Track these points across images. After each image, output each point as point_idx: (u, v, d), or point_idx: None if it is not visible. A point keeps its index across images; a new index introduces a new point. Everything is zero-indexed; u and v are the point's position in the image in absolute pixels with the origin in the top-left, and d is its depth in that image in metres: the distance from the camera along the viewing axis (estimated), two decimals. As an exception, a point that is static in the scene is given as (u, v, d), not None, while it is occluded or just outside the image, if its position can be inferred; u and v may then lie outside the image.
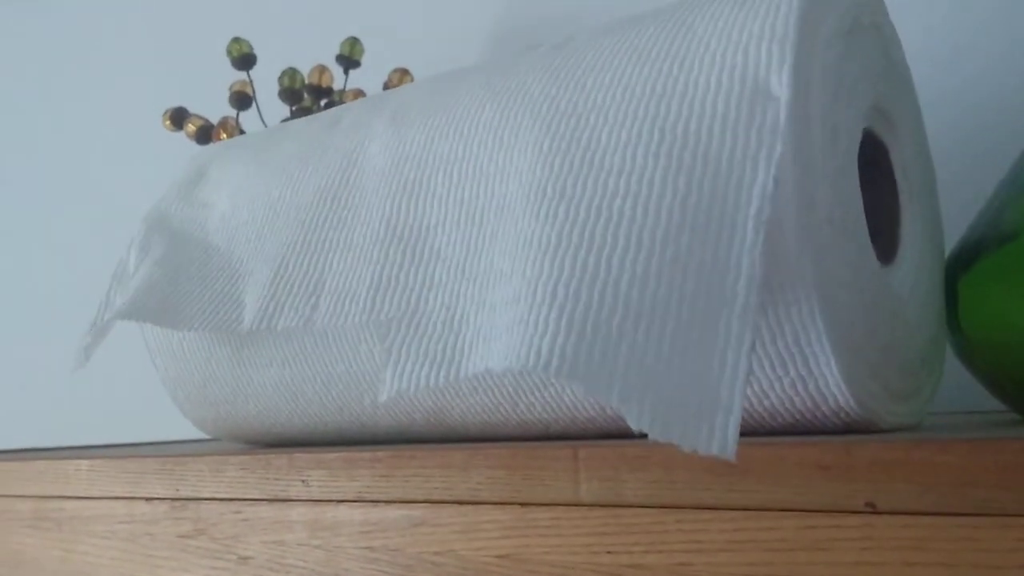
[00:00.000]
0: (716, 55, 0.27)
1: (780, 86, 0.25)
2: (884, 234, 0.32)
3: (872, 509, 0.24)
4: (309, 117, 0.41)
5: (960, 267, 0.35)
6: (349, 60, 0.68)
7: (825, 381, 0.27)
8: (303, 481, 0.35)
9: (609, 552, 0.28)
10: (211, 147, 0.44)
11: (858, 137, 0.29)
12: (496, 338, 0.26)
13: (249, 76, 0.67)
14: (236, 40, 0.67)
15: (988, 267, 0.34)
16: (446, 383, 0.27)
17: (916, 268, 0.33)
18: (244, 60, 0.67)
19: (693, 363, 0.23)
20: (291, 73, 0.65)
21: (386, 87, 0.65)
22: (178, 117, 0.69)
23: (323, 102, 0.67)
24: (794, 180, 0.25)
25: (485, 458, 0.30)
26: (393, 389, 0.28)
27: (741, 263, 0.24)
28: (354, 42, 0.68)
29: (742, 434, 0.30)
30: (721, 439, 0.22)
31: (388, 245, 0.32)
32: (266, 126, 0.66)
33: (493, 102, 0.32)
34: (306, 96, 0.66)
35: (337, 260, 0.33)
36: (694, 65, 0.27)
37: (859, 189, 0.29)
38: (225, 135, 0.65)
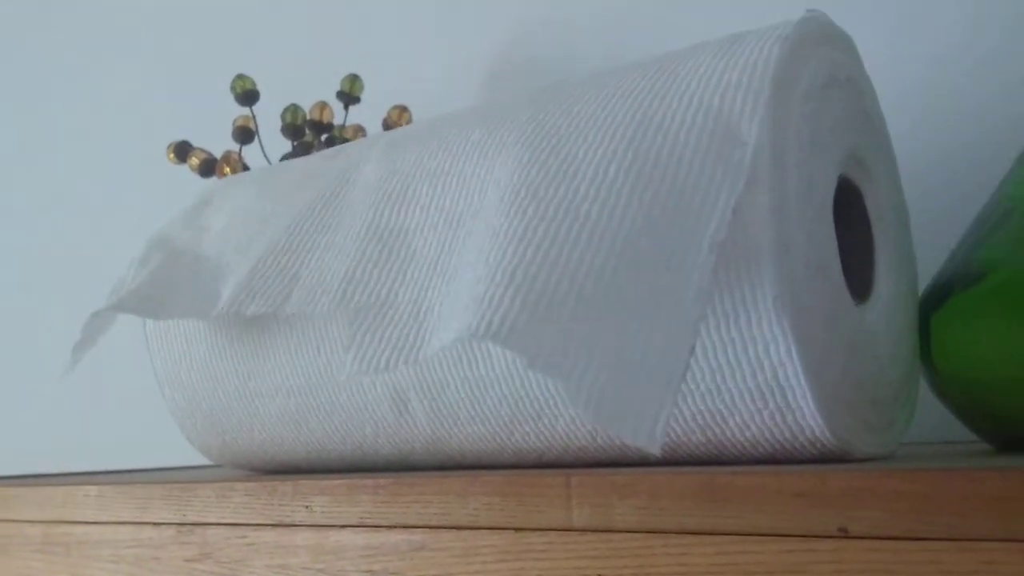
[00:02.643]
0: (695, 95, 0.29)
1: (749, 134, 0.27)
2: (859, 274, 0.34)
3: (844, 534, 0.25)
4: (311, 155, 0.43)
5: (932, 305, 0.37)
6: (349, 96, 0.70)
7: (802, 413, 0.28)
8: (307, 507, 0.36)
9: (600, 575, 0.29)
10: (216, 181, 0.46)
11: (833, 184, 0.31)
12: (455, 317, 0.28)
13: (252, 111, 0.69)
14: (240, 77, 0.69)
15: (958, 306, 0.36)
16: (405, 365, 0.29)
17: (890, 306, 0.35)
18: (247, 96, 0.69)
19: (636, 358, 0.25)
20: (293, 109, 0.67)
21: (385, 123, 0.68)
22: (182, 150, 0.71)
23: (323, 137, 0.69)
24: (772, 226, 0.27)
25: (482, 485, 0.32)
26: (352, 371, 0.30)
27: (692, 276, 0.26)
28: (354, 79, 0.71)
29: (725, 463, 0.32)
30: (649, 433, 0.24)
31: (366, 244, 0.33)
32: (268, 160, 0.68)
33: (482, 125, 0.34)
34: (307, 131, 0.68)
35: (315, 258, 0.35)
36: (673, 101, 0.29)
37: (834, 232, 0.31)
38: (228, 169, 0.67)
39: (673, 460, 0.33)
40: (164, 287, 0.38)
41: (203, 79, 0.92)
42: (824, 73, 0.31)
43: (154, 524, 0.41)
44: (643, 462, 0.33)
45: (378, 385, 0.36)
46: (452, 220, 0.32)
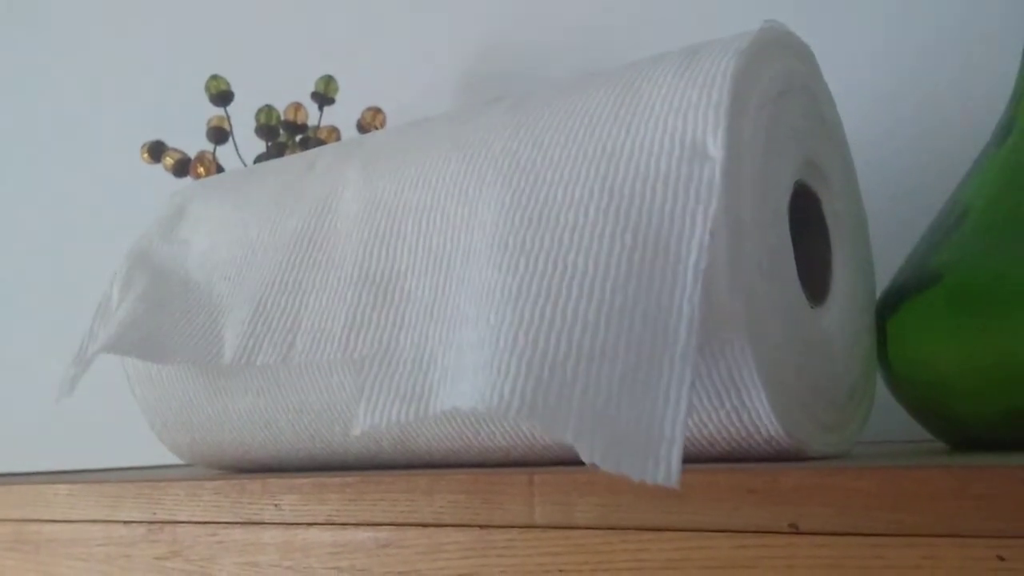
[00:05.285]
0: (659, 119, 0.30)
1: (715, 147, 0.28)
2: (816, 278, 0.35)
3: (795, 530, 0.26)
4: (284, 159, 0.44)
5: (888, 308, 0.38)
6: (324, 97, 0.70)
7: (757, 413, 0.29)
8: (276, 505, 0.37)
9: (561, 571, 0.30)
10: (189, 186, 0.46)
11: (789, 190, 0.32)
12: (463, 379, 0.28)
13: (226, 112, 0.70)
14: (214, 77, 0.69)
15: (912, 309, 0.37)
16: (415, 419, 0.30)
17: (846, 309, 0.36)
18: (222, 97, 0.69)
19: (640, 401, 0.26)
20: (267, 110, 0.68)
21: (359, 125, 0.68)
22: (156, 150, 0.71)
23: (298, 138, 0.70)
24: (726, 232, 0.28)
25: (447, 483, 0.33)
26: (366, 424, 0.30)
27: (682, 308, 0.26)
28: (329, 80, 0.71)
29: (684, 461, 0.33)
30: (666, 469, 0.25)
31: (361, 287, 0.34)
32: (243, 160, 0.69)
33: (458, 155, 0.34)
34: (282, 132, 0.68)
35: (313, 300, 0.35)
36: (640, 128, 0.30)
37: (789, 237, 0.32)
38: (202, 169, 0.68)
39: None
40: (158, 322, 0.39)
41: (178, 79, 0.92)
42: (780, 82, 0.32)
43: (124, 522, 0.42)
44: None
45: (347, 385, 0.37)
46: (441, 263, 0.32)
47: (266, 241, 0.38)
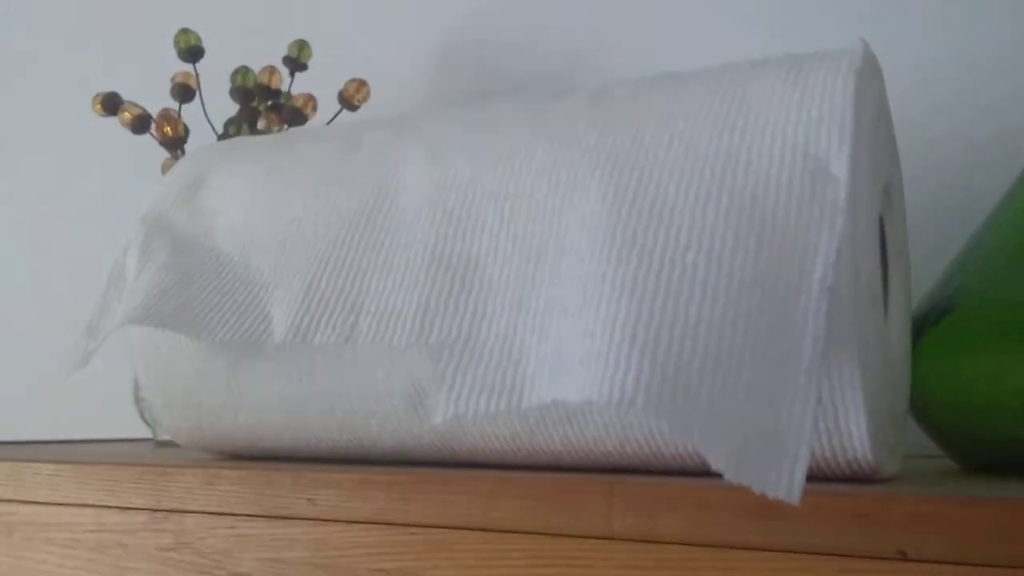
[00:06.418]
0: (777, 129, 0.29)
1: (840, 168, 0.28)
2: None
3: (903, 557, 0.26)
4: (315, 131, 0.41)
5: (914, 334, 0.39)
6: (296, 63, 0.67)
7: (850, 436, 0.29)
8: (309, 500, 0.35)
9: (639, 584, 0.29)
10: (202, 152, 0.43)
11: (878, 211, 0.32)
12: (567, 371, 0.27)
13: (195, 69, 0.66)
14: (184, 31, 0.65)
15: (933, 337, 0.38)
16: (506, 411, 0.28)
17: (901, 328, 0.36)
18: (192, 52, 0.65)
19: (764, 412, 0.25)
20: (243, 72, 0.64)
21: (342, 96, 0.65)
22: (111, 103, 0.66)
23: (269, 103, 0.66)
24: (848, 258, 0.28)
25: (514, 487, 0.31)
26: (449, 413, 0.29)
27: (807, 323, 0.26)
28: (302, 45, 0.68)
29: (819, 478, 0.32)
30: (788, 484, 0.24)
31: (434, 272, 0.32)
32: (211, 123, 0.65)
33: (545, 144, 0.33)
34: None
35: (375, 281, 0.33)
36: (755, 136, 0.29)
37: (879, 260, 0.32)
38: (169, 128, 0.64)
39: (695, 470, 0.33)
40: (190, 295, 0.36)
41: (136, 34, 0.86)
42: (876, 105, 0.32)
43: (121, 508, 0.39)
44: (665, 471, 0.34)
45: (394, 377, 0.35)
46: (530, 253, 0.31)
47: (314, 218, 0.36)
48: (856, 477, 0.32)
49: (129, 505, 0.39)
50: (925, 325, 0.39)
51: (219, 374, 0.38)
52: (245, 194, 0.39)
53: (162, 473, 0.38)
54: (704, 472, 0.33)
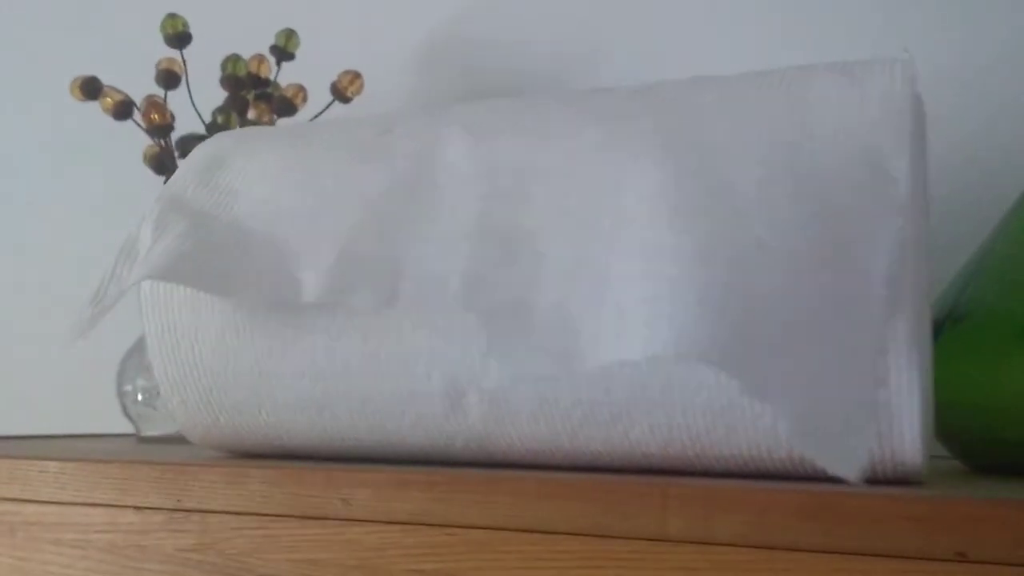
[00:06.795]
0: (838, 125, 0.29)
1: (899, 171, 0.28)
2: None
3: (962, 558, 0.27)
4: (342, 121, 0.40)
5: (938, 331, 0.39)
6: (283, 52, 0.66)
7: (901, 440, 0.30)
8: (343, 500, 0.34)
9: (693, 586, 0.30)
10: (221, 138, 0.42)
11: (926, 215, 0.33)
12: (630, 334, 0.27)
13: (182, 55, 0.64)
14: (171, 16, 0.64)
15: (945, 343, 0.39)
16: (566, 375, 0.28)
17: (929, 331, 0.37)
18: (179, 38, 0.63)
19: (831, 388, 0.25)
20: (235, 60, 0.63)
21: (334, 87, 0.64)
22: (90, 88, 0.64)
23: (255, 92, 0.65)
24: (913, 262, 0.28)
25: (562, 488, 0.31)
26: (505, 379, 0.28)
27: (871, 311, 0.26)
28: (290, 34, 0.66)
29: (807, 477, 0.32)
30: (848, 462, 0.25)
31: (481, 242, 0.32)
32: (198, 111, 0.63)
33: (596, 126, 0.33)
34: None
35: (415, 249, 0.32)
36: (816, 131, 0.30)
37: (925, 262, 0.32)
38: (156, 115, 0.62)
39: (742, 472, 0.33)
40: (212, 257, 0.35)
41: (117, 17, 0.84)
42: (919, 112, 0.33)
43: (136, 508, 0.38)
44: (721, 473, 0.34)
45: (433, 377, 0.34)
46: (582, 225, 0.31)
47: (347, 191, 0.35)
48: (900, 480, 0.32)
49: (145, 504, 0.37)
50: (938, 332, 0.40)
51: (245, 370, 0.37)
52: (269, 172, 0.38)
53: (182, 471, 0.37)
54: (755, 474, 0.34)
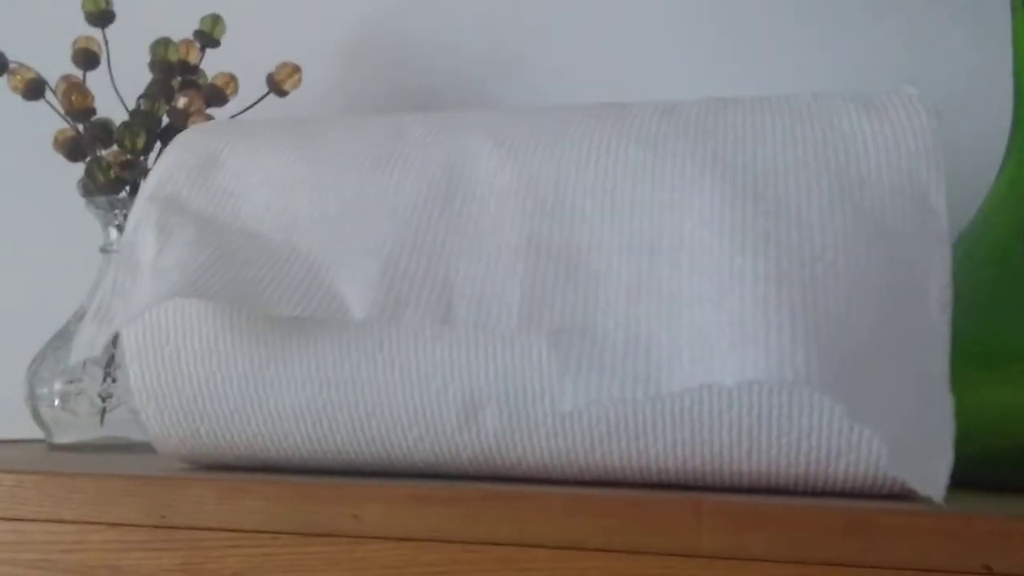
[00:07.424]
0: (879, 155, 0.31)
1: (938, 202, 0.30)
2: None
3: (988, 571, 0.28)
4: (345, 119, 0.39)
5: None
6: (209, 38, 0.63)
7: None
8: (355, 516, 0.33)
9: (726, 601, 0.30)
10: (209, 131, 0.39)
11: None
12: (713, 357, 0.27)
13: (104, 35, 0.60)
14: (94, -8, 0.59)
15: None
16: (644, 399, 0.28)
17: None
18: (102, 16, 0.59)
19: (910, 412, 0.27)
20: (165, 43, 0.59)
21: (271, 79, 0.61)
22: (-4, 63, 0.59)
23: (180, 79, 0.61)
24: (947, 290, 0.30)
25: (591, 504, 0.31)
26: (580, 400, 0.28)
27: (934, 336, 0.28)
28: (216, 19, 0.63)
29: (812, 495, 0.34)
30: (934, 482, 0.26)
31: (534, 260, 0.31)
32: (120, 96, 0.59)
33: (637, 145, 0.33)
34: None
35: (463, 265, 0.32)
36: (860, 161, 0.31)
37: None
38: (76, 97, 0.57)
39: (754, 489, 0.34)
40: (238, 271, 0.32)
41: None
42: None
43: (111, 524, 0.35)
44: (731, 488, 0.34)
45: (450, 389, 0.34)
46: (640, 245, 0.31)
47: (369, 200, 0.34)
48: (909, 496, 0.34)
49: (121, 521, 0.35)
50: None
51: (239, 377, 0.35)
52: (272, 176, 0.36)
53: (167, 485, 0.34)
54: (767, 491, 0.34)
